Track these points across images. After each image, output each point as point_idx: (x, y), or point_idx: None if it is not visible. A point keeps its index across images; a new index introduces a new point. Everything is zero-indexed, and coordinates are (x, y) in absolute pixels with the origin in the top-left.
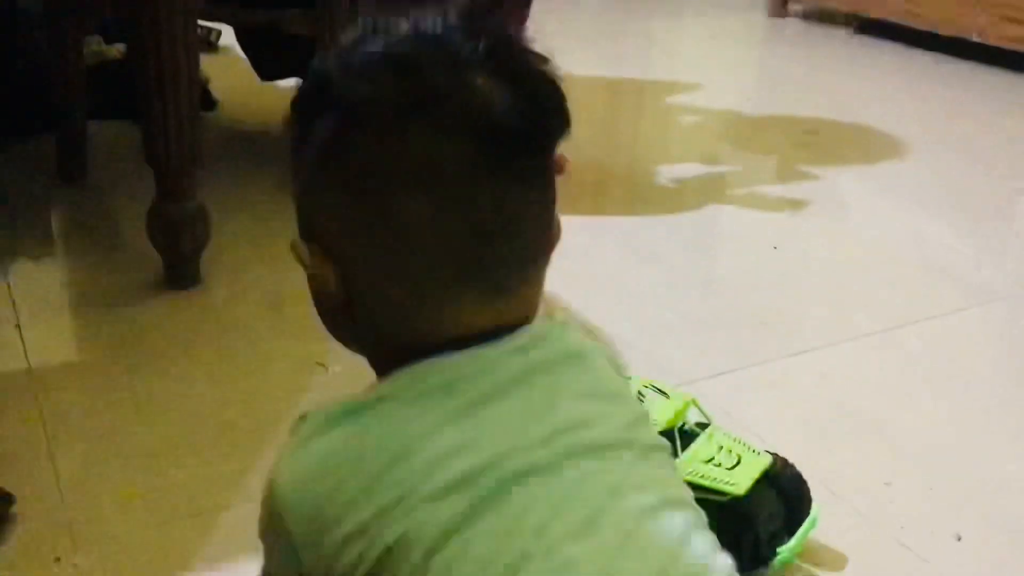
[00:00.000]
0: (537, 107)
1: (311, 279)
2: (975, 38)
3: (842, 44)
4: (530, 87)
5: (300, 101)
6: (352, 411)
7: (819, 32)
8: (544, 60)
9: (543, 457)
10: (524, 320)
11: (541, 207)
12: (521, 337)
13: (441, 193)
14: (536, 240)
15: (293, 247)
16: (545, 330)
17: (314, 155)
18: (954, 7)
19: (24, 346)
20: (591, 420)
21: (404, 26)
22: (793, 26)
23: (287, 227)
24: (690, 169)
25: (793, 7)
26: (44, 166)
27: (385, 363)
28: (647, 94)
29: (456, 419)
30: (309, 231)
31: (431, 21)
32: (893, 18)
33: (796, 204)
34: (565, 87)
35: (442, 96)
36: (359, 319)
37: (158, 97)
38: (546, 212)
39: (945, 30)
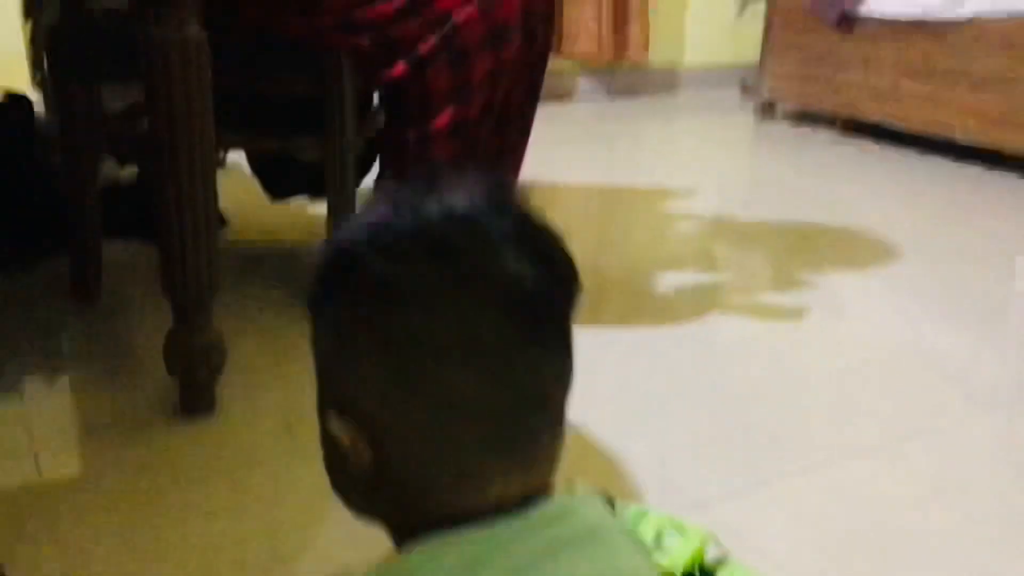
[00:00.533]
0: (559, 279)
1: (335, 447)
2: (959, 138)
3: (829, 145)
4: (551, 261)
5: (324, 277)
6: None
7: (806, 133)
8: (557, 234)
9: None
10: (546, 488)
11: (567, 374)
12: (544, 511)
13: (483, 364)
14: (562, 407)
15: (324, 423)
16: (568, 504)
17: (347, 330)
18: (937, 109)
19: (40, 474)
20: None
21: (434, 204)
22: (781, 128)
23: (298, 348)
24: (688, 277)
25: (781, 108)
26: (59, 287)
27: (401, 529)
28: (641, 201)
29: None
30: (339, 403)
31: (460, 199)
32: (878, 119)
33: (795, 312)
34: (573, 254)
35: (479, 275)
36: (383, 488)
37: (175, 227)
38: (570, 379)
39: (929, 130)
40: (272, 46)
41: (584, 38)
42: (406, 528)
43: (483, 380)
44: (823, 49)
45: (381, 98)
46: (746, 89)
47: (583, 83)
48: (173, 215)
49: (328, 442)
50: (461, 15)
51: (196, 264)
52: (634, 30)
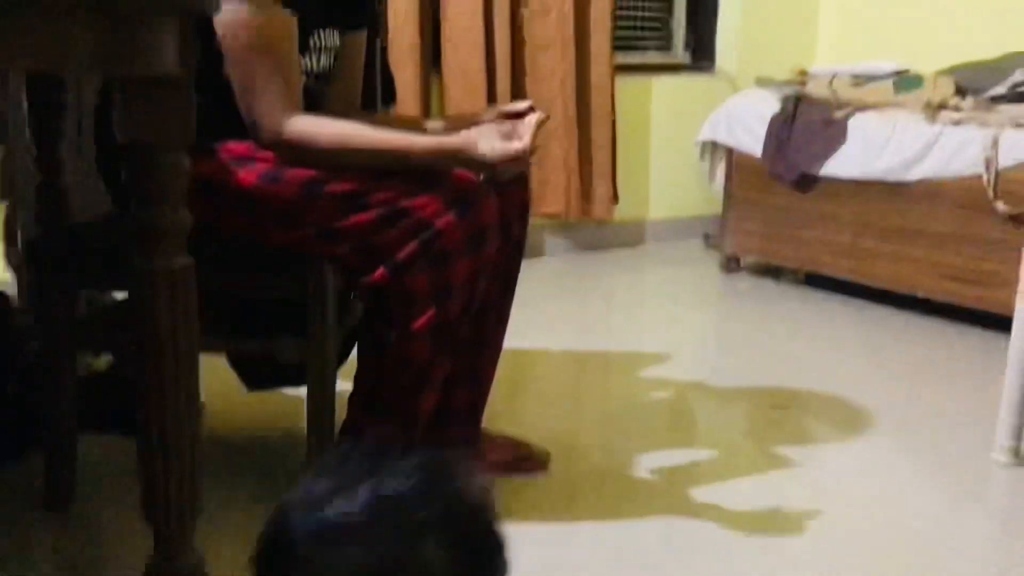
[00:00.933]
0: (479, 566)
1: None
2: (921, 295)
3: (793, 299)
4: (475, 548)
5: (264, 555)
6: None
7: (770, 286)
8: (489, 515)
9: None
10: None
11: None
12: None
13: None
14: None
15: None
16: None
17: None
18: (898, 266)
19: None
20: None
21: (368, 488)
22: (745, 281)
23: None
24: (667, 457)
25: (744, 260)
26: (29, 490)
27: None
28: (614, 368)
29: None
30: None
31: (393, 483)
32: (840, 275)
33: (777, 493)
34: (504, 533)
35: (396, 565)
36: None
37: (159, 460)
38: None
39: (891, 286)
40: (253, 251)
41: (552, 198)
42: None
43: None
44: (784, 206)
45: (360, 296)
46: (709, 240)
47: (549, 239)
48: (156, 446)
49: None
50: (440, 222)
51: (179, 495)
52: (600, 188)
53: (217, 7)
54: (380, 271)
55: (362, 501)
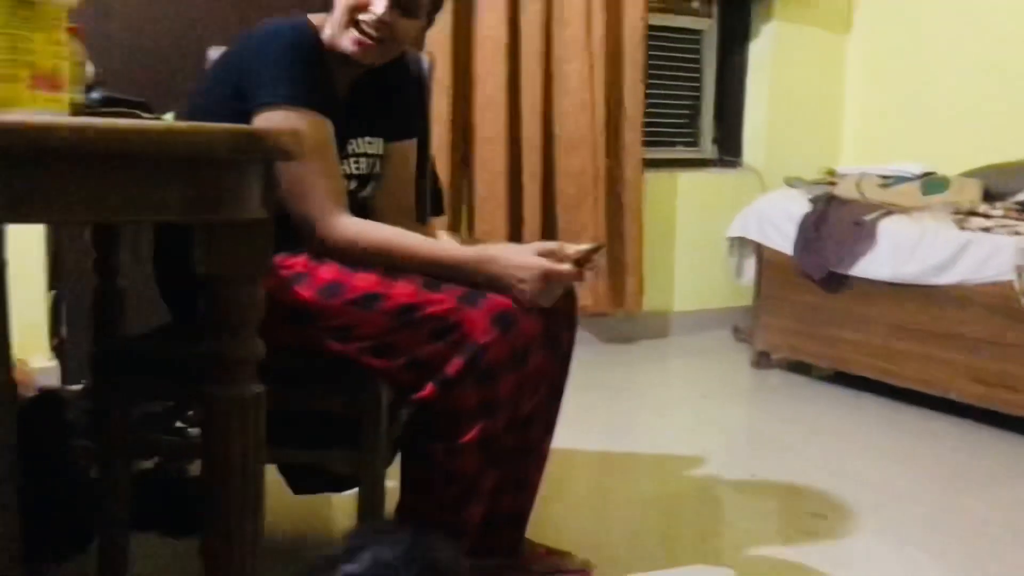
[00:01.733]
0: None
1: None
2: (953, 397)
3: (825, 396)
4: None
5: None
6: None
7: (801, 383)
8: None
9: None
10: None
11: None
12: None
13: None
14: None
15: None
16: None
17: None
18: (930, 368)
19: None
20: None
21: (367, 553)
22: (776, 376)
23: None
24: (705, 571)
25: (774, 356)
26: None
27: None
28: (645, 470)
29: None
30: None
31: (387, 551)
32: (872, 375)
33: None
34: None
35: None
36: None
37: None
38: None
39: (924, 388)
40: (306, 364)
41: (581, 291)
42: None
43: None
44: (814, 304)
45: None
46: (738, 333)
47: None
48: (219, 564)
49: None
50: (484, 339)
51: None
52: (629, 282)
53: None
54: (429, 387)
55: (364, 561)
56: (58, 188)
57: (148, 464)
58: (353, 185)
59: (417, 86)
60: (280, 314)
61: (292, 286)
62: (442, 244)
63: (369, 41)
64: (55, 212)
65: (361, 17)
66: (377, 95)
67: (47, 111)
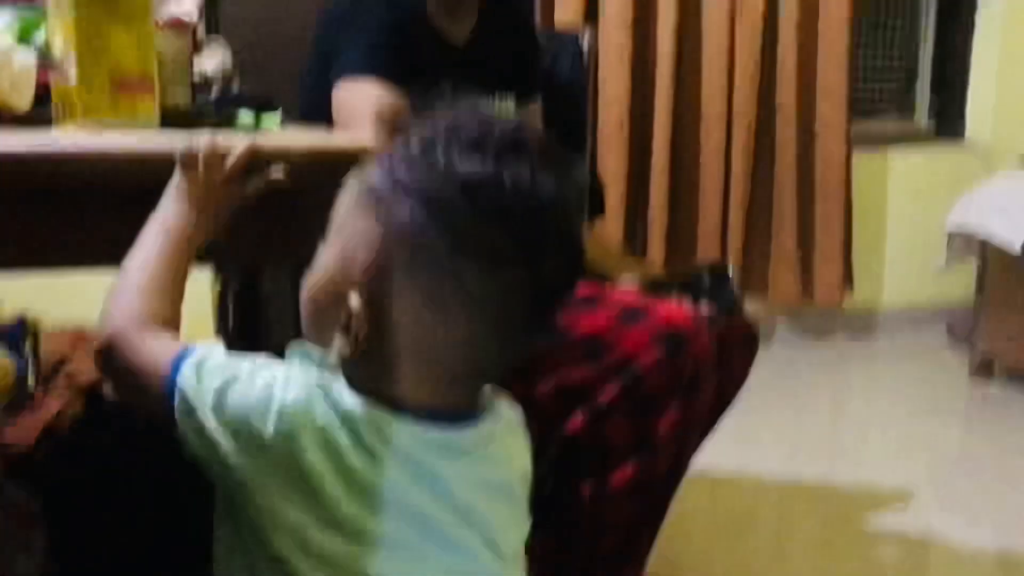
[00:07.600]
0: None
1: (330, 308)
2: None
3: None
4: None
5: (427, 199)
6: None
7: None
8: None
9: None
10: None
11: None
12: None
13: (499, 321)
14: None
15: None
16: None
17: (419, 250)
18: None
19: None
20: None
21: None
22: (1001, 392)
23: None
24: None
25: (999, 364)
26: None
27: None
28: (836, 505)
29: None
30: (365, 286)
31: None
32: None
33: None
34: None
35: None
36: (367, 357)
37: None
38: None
39: None
40: None
41: (773, 280)
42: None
43: (490, 330)
44: None
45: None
46: (953, 333)
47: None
48: None
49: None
50: (644, 359)
51: None
52: (828, 271)
53: None
54: (578, 417)
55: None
56: None
57: None
58: None
59: (531, 38)
60: None
61: None
62: None
63: None
64: None
65: None
66: (497, 45)
67: (131, 120)
